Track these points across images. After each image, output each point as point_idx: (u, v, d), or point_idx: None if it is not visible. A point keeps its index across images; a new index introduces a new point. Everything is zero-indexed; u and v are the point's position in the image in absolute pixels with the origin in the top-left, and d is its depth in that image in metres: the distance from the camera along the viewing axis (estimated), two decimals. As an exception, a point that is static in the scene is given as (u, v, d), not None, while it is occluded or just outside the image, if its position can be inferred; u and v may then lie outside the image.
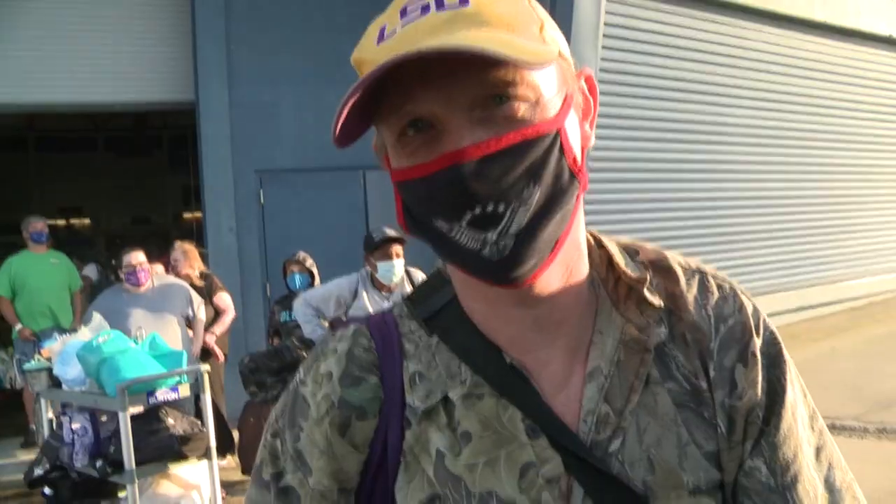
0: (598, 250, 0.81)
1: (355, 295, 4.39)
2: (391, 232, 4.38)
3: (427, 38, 0.63)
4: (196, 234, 9.91)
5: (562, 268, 0.74)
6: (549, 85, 0.68)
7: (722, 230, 9.15)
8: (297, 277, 5.25)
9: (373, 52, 0.68)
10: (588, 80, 0.77)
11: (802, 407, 0.80)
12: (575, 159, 0.69)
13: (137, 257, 5.29)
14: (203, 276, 6.00)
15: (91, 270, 9.80)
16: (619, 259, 0.80)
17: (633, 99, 8.37)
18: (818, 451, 0.78)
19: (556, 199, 0.68)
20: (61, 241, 7.75)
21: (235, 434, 5.78)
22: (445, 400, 0.77)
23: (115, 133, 15.75)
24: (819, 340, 8.77)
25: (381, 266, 4.30)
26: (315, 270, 5.35)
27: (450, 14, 0.65)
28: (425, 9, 0.67)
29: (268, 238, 7.65)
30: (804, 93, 10.21)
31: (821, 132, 10.45)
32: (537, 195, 0.66)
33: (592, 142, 0.76)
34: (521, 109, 0.66)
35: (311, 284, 5.26)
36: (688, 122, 8.95)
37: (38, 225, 6.76)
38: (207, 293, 5.74)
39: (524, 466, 0.73)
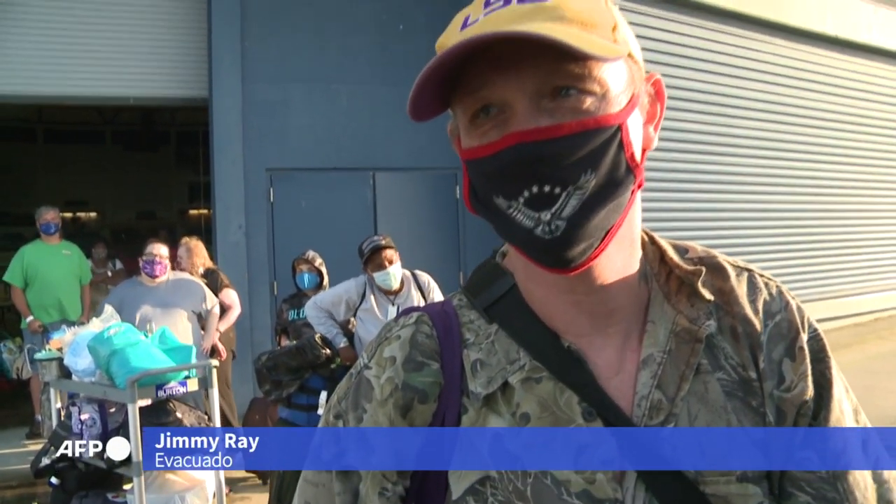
0: (650, 246, 0.86)
1: (363, 297, 4.43)
2: (379, 240, 4.42)
3: (507, 26, 0.67)
4: (203, 231, 9.92)
5: (616, 257, 0.78)
6: (616, 82, 0.72)
7: (727, 242, 9.14)
8: (306, 276, 5.26)
9: (456, 37, 0.71)
10: (656, 84, 0.80)
11: (847, 401, 0.83)
12: (633, 155, 0.73)
13: (159, 248, 5.39)
14: (208, 272, 6.00)
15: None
16: (673, 254, 0.84)
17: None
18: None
19: (610, 188, 0.71)
20: (67, 233, 7.77)
21: (240, 430, 5.80)
22: (504, 385, 0.80)
23: (122, 127, 15.79)
24: (822, 355, 8.75)
25: (377, 276, 4.36)
26: (324, 270, 5.36)
27: (531, 7, 0.69)
28: (507, 0, 0.70)
29: (276, 236, 7.67)
30: (812, 106, 10.21)
31: (828, 146, 10.44)
32: (593, 182, 0.70)
33: (655, 144, 0.80)
34: (587, 102, 0.70)
35: (320, 284, 5.27)
36: (695, 133, 8.96)
37: (47, 216, 6.77)
38: (212, 290, 5.76)
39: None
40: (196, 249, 6.08)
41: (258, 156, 7.60)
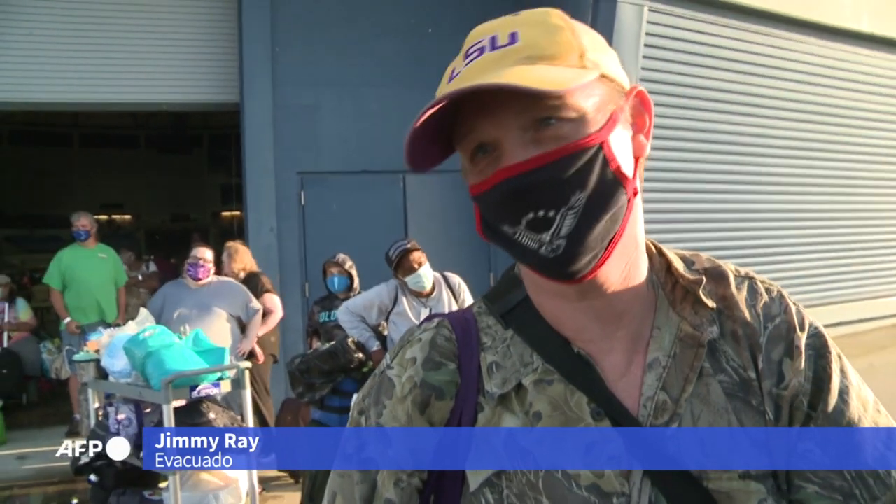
0: (658, 257, 0.90)
1: (395, 301, 4.48)
2: (405, 244, 4.46)
3: (480, 76, 0.75)
4: (237, 233, 10.04)
5: (620, 265, 0.83)
6: (592, 104, 0.77)
7: (762, 243, 9.06)
8: (336, 280, 5.32)
9: (444, 90, 0.78)
10: (640, 95, 0.85)
11: (864, 391, 0.87)
12: (619, 168, 0.77)
13: (204, 252, 5.52)
14: (250, 276, 6.05)
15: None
16: (678, 265, 0.89)
17: (673, 109, 8.33)
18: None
19: (602, 202, 0.77)
20: (103, 235, 7.94)
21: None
22: (518, 386, 0.85)
23: (156, 131, 16.01)
24: (857, 357, 8.63)
25: (410, 279, 4.40)
26: (354, 273, 5.42)
27: (500, 53, 0.77)
28: (481, 50, 0.79)
29: (308, 239, 7.74)
30: (848, 105, 10.07)
31: (863, 146, 10.29)
32: (584, 201, 0.75)
33: (647, 151, 0.84)
34: (565, 128, 0.75)
35: (350, 287, 5.33)
36: (728, 134, 8.89)
37: (78, 223, 6.89)
38: (252, 293, 5.83)
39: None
40: (237, 255, 6.13)
41: (289, 159, 7.68)
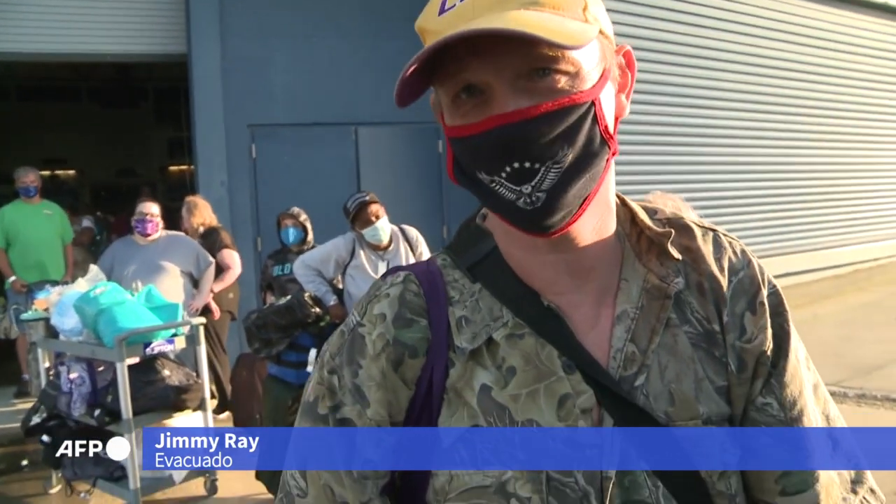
0: (622, 208, 0.90)
1: (353, 254, 4.44)
2: (363, 196, 4.42)
3: (481, 15, 0.72)
4: (189, 187, 9.85)
5: (592, 221, 0.83)
6: (588, 60, 0.76)
7: (710, 195, 9.20)
8: (291, 231, 5.26)
9: (434, 22, 0.76)
10: (626, 55, 0.85)
11: (802, 351, 0.91)
12: (606, 127, 0.77)
13: (150, 207, 5.39)
14: (209, 231, 5.94)
15: (89, 223, 9.79)
16: (643, 216, 0.89)
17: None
18: (815, 387, 0.90)
19: (586, 161, 0.76)
20: (47, 192, 7.71)
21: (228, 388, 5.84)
22: (489, 341, 0.84)
23: (99, 84, 15.53)
24: (802, 307, 8.91)
25: (367, 232, 4.36)
26: (309, 226, 5.37)
27: None
28: None
29: (259, 193, 7.64)
30: (797, 59, 10.21)
31: (809, 99, 10.47)
32: (570, 157, 0.74)
33: (627, 112, 0.84)
34: (561, 81, 0.74)
35: (305, 239, 5.29)
36: (678, 87, 8.96)
37: (26, 178, 6.67)
38: (210, 250, 5.73)
39: (562, 398, 0.82)
40: (196, 210, 5.99)
41: (239, 112, 7.52)
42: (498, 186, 0.75)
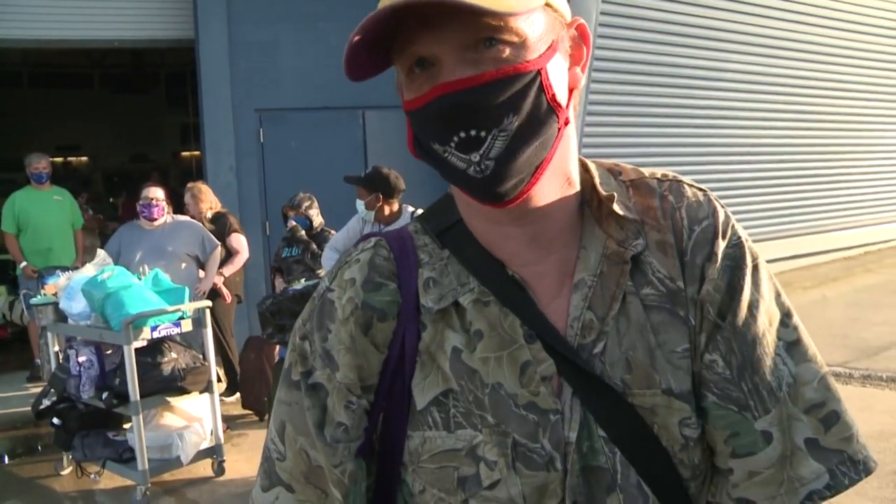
0: (584, 174, 0.90)
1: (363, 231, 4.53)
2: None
3: None
4: (196, 173, 9.90)
5: (551, 189, 0.84)
6: (534, 30, 0.77)
7: (719, 177, 9.15)
8: (296, 222, 5.40)
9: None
10: (580, 28, 0.85)
11: (773, 306, 0.86)
12: (554, 96, 0.78)
13: (155, 192, 5.43)
14: (217, 216, 5.98)
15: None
16: (597, 180, 0.89)
17: (632, 42, 8.32)
18: (790, 345, 0.85)
19: (533, 129, 0.77)
20: (60, 178, 7.77)
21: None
22: (457, 305, 0.87)
23: (111, 70, 15.56)
24: (810, 289, 8.89)
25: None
26: (312, 213, 5.46)
27: None
28: None
29: (267, 177, 7.68)
30: (805, 40, 10.09)
31: (819, 80, 10.35)
32: (516, 124, 0.76)
33: (582, 83, 0.85)
34: (506, 52, 0.75)
35: (310, 227, 5.41)
36: (684, 68, 8.89)
37: (38, 165, 6.75)
38: (220, 234, 5.78)
39: (523, 365, 0.84)
40: (202, 195, 6.02)
41: (247, 97, 7.56)
42: (449, 156, 0.77)
